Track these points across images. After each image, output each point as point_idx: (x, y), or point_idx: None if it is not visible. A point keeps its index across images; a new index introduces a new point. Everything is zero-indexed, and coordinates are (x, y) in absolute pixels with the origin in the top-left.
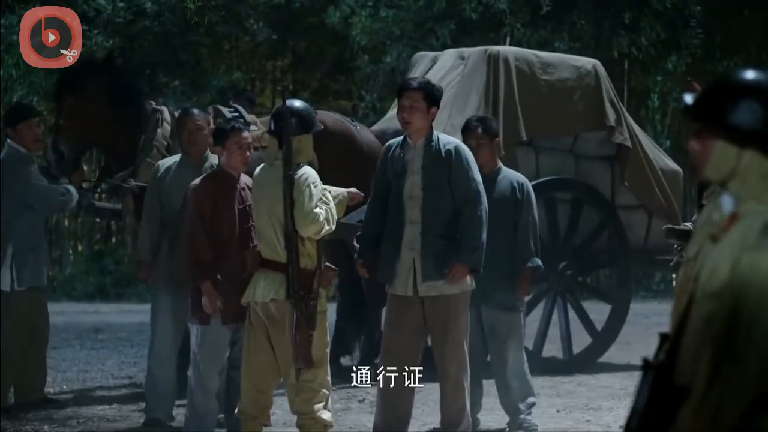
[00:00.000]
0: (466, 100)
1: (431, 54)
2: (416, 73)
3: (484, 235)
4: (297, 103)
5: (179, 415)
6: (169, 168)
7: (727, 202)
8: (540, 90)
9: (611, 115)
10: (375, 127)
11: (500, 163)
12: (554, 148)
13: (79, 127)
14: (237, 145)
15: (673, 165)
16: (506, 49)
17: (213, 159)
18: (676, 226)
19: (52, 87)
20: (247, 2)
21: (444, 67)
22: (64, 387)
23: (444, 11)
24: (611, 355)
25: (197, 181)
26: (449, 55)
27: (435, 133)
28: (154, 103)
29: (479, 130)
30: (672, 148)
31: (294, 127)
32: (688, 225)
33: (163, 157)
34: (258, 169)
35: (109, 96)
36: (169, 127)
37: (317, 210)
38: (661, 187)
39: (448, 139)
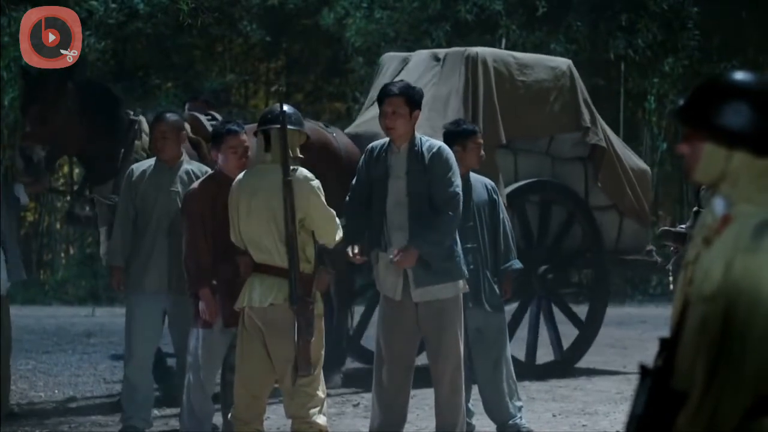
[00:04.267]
0: (445, 103)
1: (401, 55)
2: (386, 75)
3: (449, 239)
4: (284, 106)
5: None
6: (143, 172)
7: (719, 205)
8: (518, 91)
9: (587, 116)
10: (349, 131)
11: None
12: (531, 150)
13: (45, 136)
14: (232, 149)
15: (642, 164)
16: (484, 50)
17: (188, 165)
18: (672, 228)
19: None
20: (240, 4)
21: (418, 68)
22: (56, 392)
23: (439, 13)
24: (607, 359)
25: (195, 185)
26: (422, 56)
27: (418, 135)
28: (132, 113)
29: (478, 133)
30: (668, 150)
31: (281, 131)
32: (683, 227)
33: None
34: (243, 174)
35: (78, 105)
36: (147, 138)
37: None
38: (632, 187)
39: (432, 142)
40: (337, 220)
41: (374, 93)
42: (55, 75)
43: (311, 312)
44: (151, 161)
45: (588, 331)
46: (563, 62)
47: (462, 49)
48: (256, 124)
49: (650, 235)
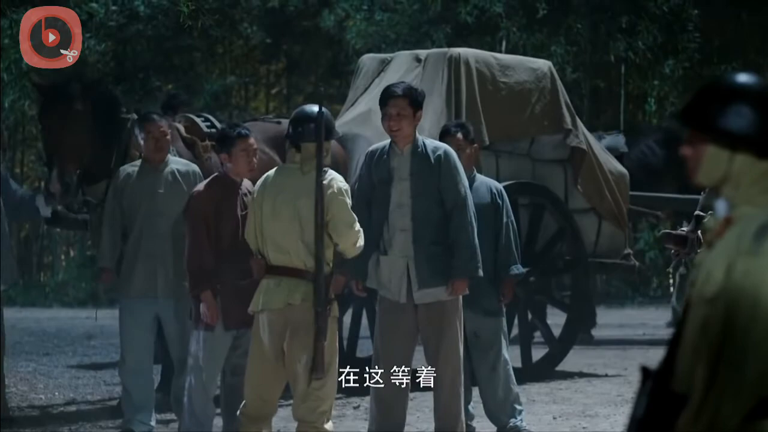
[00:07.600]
0: (428, 104)
1: (381, 56)
2: (367, 77)
3: (476, 240)
4: (318, 109)
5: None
6: (129, 174)
7: (720, 207)
8: (500, 93)
9: (568, 118)
10: None
11: (475, 170)
12: (512, 152)
13: (78, 155)
14: (244, 152)
15: (620, 167)
16: (467, 51)
17: (174, 165)
18: (673, 231)
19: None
20: (240, 6)
21: (399, 69)
22: (56, 394)
23: (439, 15)
24: (608, 361)
25: (200, 186)
26: (403, 57)
27: (419, 137)
28: (124, 110)
29: (459, 135)
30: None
31: (317, 132)
32: (684, 230)
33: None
34: (271, 173)
35: (92, 117)
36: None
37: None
38: (610, 190)
39: (436, 144)
40: (357, 227)
41: (353, 95)
42: (71, 90)
43: (328, 314)
44: (138, 163)
45: (575, 311)
46: (544, 64)
47: (444, 50)
48: (255, 122)
49: (628, 239)
